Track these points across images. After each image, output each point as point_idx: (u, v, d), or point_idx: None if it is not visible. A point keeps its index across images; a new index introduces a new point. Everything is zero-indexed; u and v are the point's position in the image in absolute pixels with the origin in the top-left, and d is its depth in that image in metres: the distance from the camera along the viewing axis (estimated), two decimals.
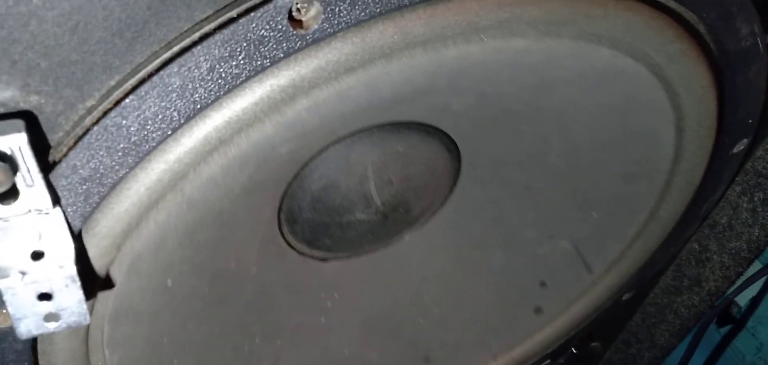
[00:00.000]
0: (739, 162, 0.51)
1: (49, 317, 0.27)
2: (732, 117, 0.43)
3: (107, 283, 0.31)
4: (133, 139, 0.26)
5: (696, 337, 0.72)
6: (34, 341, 0.33)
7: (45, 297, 0.27)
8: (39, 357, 0.34)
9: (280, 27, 0.25)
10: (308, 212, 0.45)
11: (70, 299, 0.27)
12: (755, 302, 0.78)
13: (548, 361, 0.68)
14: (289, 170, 0.40)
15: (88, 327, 0.34)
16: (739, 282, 0.68)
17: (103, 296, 0.33)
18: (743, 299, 0.82)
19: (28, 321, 0.27)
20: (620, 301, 0.62)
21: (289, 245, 0.47)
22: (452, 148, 0.46)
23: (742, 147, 0.48)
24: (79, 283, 0.27)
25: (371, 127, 0.41)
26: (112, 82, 0.25)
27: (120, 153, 0.26)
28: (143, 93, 0.25)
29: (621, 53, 0.35)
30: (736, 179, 0.54)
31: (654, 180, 0.48)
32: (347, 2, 0.26)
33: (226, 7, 0.25)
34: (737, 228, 0.57)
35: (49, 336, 0.33)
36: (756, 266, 0.65)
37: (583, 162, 0.47)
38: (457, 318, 0.58)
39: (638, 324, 0.71)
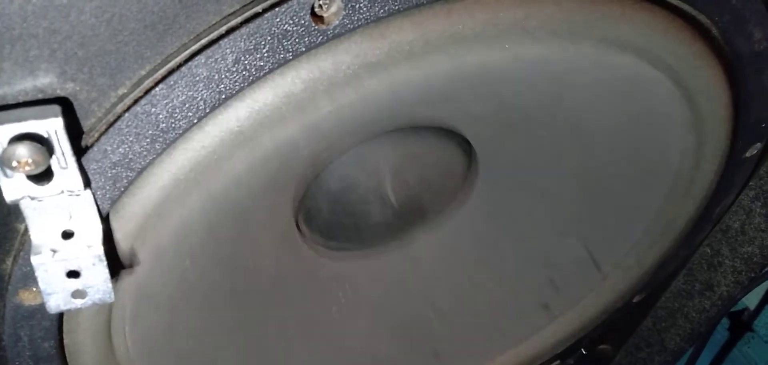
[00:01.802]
0: (752, 166, 0.51)
1: (77, 294, 0.28)
2: (746, 121, 0.43)
3: (131, 265, 0.33)
4: (161, 126, 0.27)
5: (703, 339, 0.72)
6: (60, 320, 0.34)
7: (73, 274, 0.28)
8: (64, 335, 0.35)
9: (302, 22, 0.26)
10: (326, 212, 0.46)
11: (97, 277, 0.28)
12: (762, 304, 0.77)
13: (558, 361, 0.68)
14: (309, 171, 0.41)
15: (110, 309, 0.36)
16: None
17: (126, 281, 0.35)
18: (754, 302, 0.82)
19: (57, 296, 0.28)
20: (631, 303, 0.62)
21: (306, 242, 0.48)
22: (468, 150, 0.46)
23: (756, 151, 0.48)
24: (105, 262, 0.28)
25: (392, 129, 0.42)
26: (143, 72, 0.26)
27: (148, 140, 0.27)
28: (172, 83, 0.26)
29: (635, 57, 0.35)
30: (750, 183, 0.54)
31: (666, 183, 0.49)
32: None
33: (253, 2, 0.26)
34: (750, 233, 0.57)
35: (74, 317, 0.35)
36: None
37: (597, 165, 0.47)
38: (467, 316, 0.59)
39: (649, 327, 0.71)
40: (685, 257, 0.61)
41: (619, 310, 0.62)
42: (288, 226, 0.45)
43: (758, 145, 0.47)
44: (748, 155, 0.47)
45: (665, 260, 0.56)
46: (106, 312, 0.36)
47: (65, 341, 0.36)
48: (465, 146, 0.45)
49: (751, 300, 0.84)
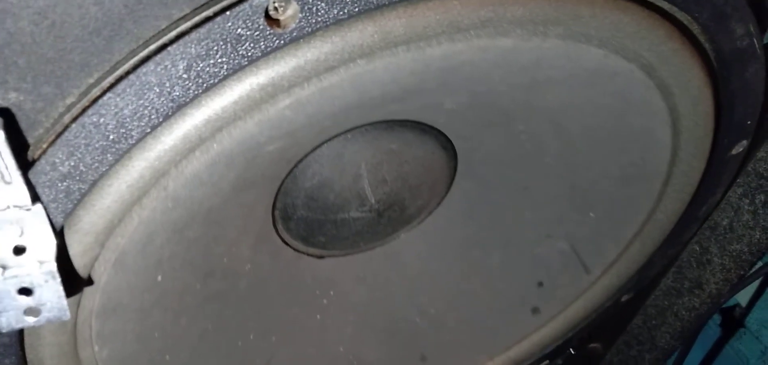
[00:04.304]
0: (739, 164, 0.50)
1: (29, 311, 0.27)
2: (729, 118, 0.43)
3: (91, 280, 0.32)
4: (111, 137, 0.26)
5: (693, 334, 0.71)
6: (21, 335, 0.33)
7: (25, 291, 0.27)
8: (26, 350, 0.34)
9: (257, 26, 0.25)
10: (302, 210, 0.45)
11: (50, 294, 0.27)
12: (753, 300, 0.77)
13: (546, 362, 0.67)
14: (281, 168, 0.40)
15: (75, 322, 0.35)
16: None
17: (90, 291, 0.34)
18: (745, 299, 0.81)
19: (9, 314, 0.27)
20: (619, 302, 0.62)
21: (284, 242, 0.47)
22: (448, 147, 0.46)
23: (742, 149, 0.47)
24: (59, 279, 0.27)
25: (363, 125, 0.41)
26: (91, 80, 0.25)
27: (99, 150, 0.26)
28: (120, 91, 0.25)
29: (612, 53, 0.35)
30: (737, 180, 0.53)
31: (651, 181, 0.48)
32: (325, 1, 0.26)
33: (203, 6, 0.25)
34: (738, 230, 0.56)
35: (36, 331, 0.34)
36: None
37: (579, 162, 0.46)
38: (454, 318, 0.58)
39: (639, 325, 0.71)
40: (673, 256, 0.60)
41: (608, 310, 0.62)
42: (265, 227, 0.44)
43: (744, 142, 0.46)
44: (733, 152, 0.46)
45: (653, 258, 0.55)
46: (69, 326, 0.35)
47: (29, 356, 0.35)
48: (445, 142, 0.45)
49: (743, 296, 0.84)
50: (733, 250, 0.57)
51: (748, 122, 0.44)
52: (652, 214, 0.51)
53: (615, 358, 0.76)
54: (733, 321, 0.84)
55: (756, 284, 0.80)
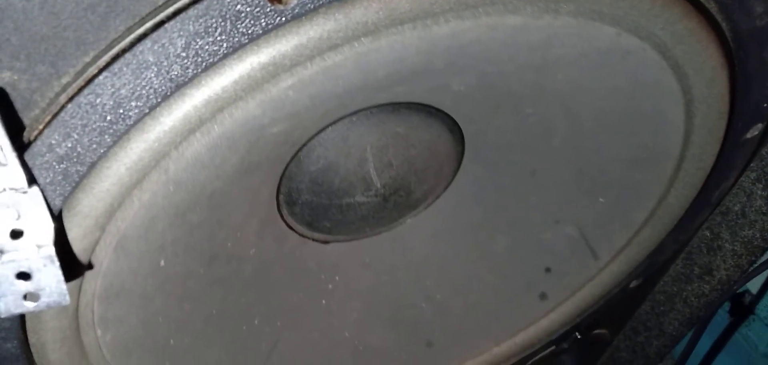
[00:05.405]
0: (753, 148, 0.49)
1: (29, 296, 0.27)
2: (745, 101, 0.41)
3: (91, 264, 0.31)
4: (108, 117, 0.25)
5: (704, 322, 0.71)
6: (22, 319, 0.33)
7: (24, 276, 0.26)
8: (28, 334, 0.34)
9: (257, 2, 0.24)
10: (307, 194, 0.44)
11: (49, 279, 0.27)
12: (764, 287, 0.75)
13: (553, 347, 0.67)
14: (285, 151, 0.39)
15: (77, 306, 0.34)
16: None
17: (91, 276, 0.33)
18: (756, 286, 0.80)
19: (7, 299, 0.27)
20: (628, 288, 0.61)
21: (289, 226, 0.47)
22: (455, 130, 0.45)
23: (757, 132, 0.46)
24: (58, 263, 0.26)
25: (369, 108, 0.40)
26: (87, 59, 0.24)
27: (96, 132, 0.25)
28: (117, 70, 0.24)
29: (624, 32, 0.33)
30: (751, 165, 0.52)
31: (663, 165, 0.47)
32: None
33: None
34: (751, 216, 0.55)
35: (37, 315, 0.33)
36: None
37: (588, 146, 0.45)
38: (461, 303, 0.58)
39: (647, 311, 0.70)
40: (684, 241, 0.59)
41: (616, 295, 0.61)
42: (270, 211, 0.44)
43: (759, 126, 0.45)
44: (748, 136, 0.45)
45: (663, 244, 0.55)
46: (71, 310, 0.34)
47: (31, 340, 0.35)
48: (452, 125, 0.44)
49: (753, 283, 0.83)
50: (745, 236, 0.56)
51: (765, 105, 0.42)
52: (663, 199, 0.50)
53: (622, 344, 0.75)
54: (743, 308, 0.83)
55: (767, 271, 0.79)
